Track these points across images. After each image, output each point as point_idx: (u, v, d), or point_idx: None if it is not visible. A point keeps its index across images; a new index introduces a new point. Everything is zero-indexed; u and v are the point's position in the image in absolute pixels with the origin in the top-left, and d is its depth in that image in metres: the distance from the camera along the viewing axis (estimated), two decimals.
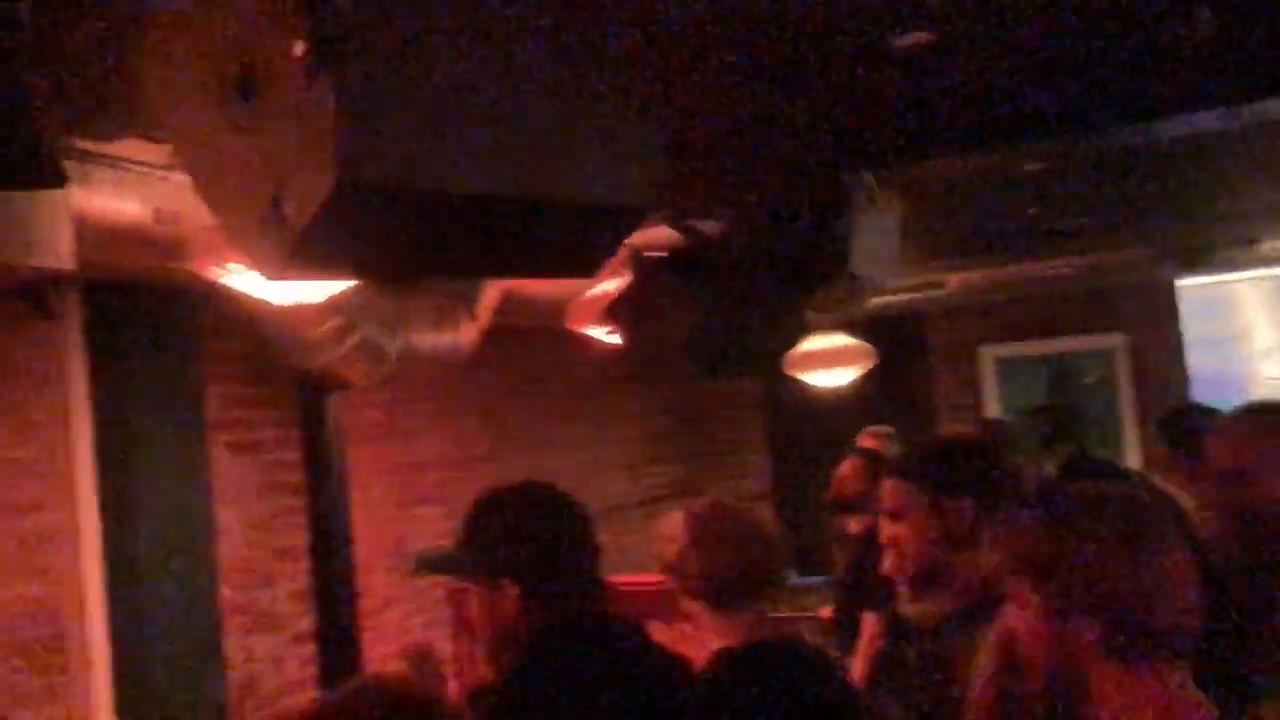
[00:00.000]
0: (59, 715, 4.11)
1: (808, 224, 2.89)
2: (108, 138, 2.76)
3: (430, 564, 2.25)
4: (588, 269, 1.94)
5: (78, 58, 2.01)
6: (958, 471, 1.96)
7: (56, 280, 4.11)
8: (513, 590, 1.89)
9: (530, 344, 6.69)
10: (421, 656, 5.87)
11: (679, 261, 3.84)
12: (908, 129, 3.24)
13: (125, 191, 3.48)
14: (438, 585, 6.02)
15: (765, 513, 2.98)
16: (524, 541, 1.92)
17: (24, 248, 3.18)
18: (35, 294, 4.16)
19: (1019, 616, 1.51)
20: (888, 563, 1.92)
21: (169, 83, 1.61)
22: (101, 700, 4.14)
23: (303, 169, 1.46)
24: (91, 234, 3.37)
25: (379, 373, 4.57)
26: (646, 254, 4.24)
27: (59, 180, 2.17)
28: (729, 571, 2.27)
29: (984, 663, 1.74)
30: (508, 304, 5.20)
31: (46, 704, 4.07)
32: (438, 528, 6.13)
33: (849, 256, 3.12)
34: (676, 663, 1.75)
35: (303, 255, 1.50)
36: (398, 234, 1.52)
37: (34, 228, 3.23)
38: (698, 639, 2.31)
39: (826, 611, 5.43)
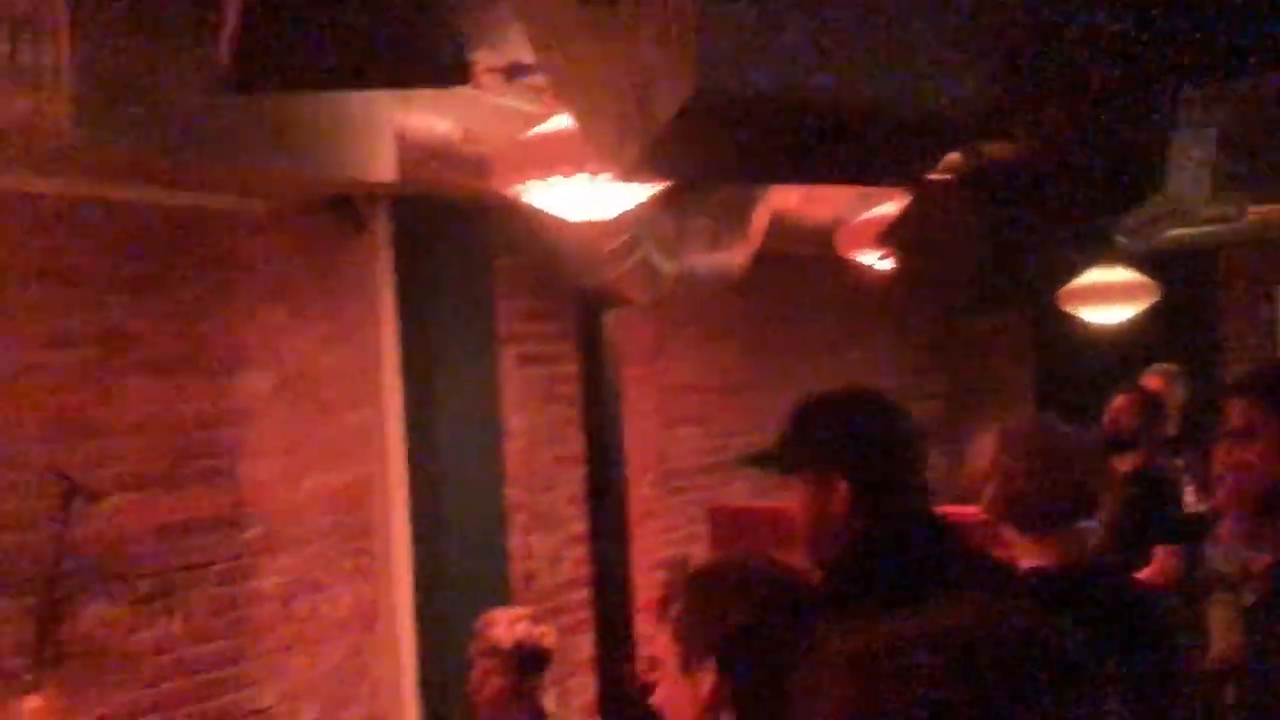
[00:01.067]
0: (365, 592, 4.54)
1: (1123, 142, 2.74)
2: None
3: (755, 460, 2.30)
4: (910, 178, 1.94)
5: None
6: None
7: (369, 195, 4.46)
8: (842, 486, 1.91)
9: (790, 274, 6.69)
10: (680, 568, 6.08)
11: (965, 185, 3.73)
12: (1231, 42, 3.00)
13: (440, 110, 3.72)
14: (695, 503, 6.22)
15: (1085, 432, 2.88)
16: (856, 439, 1.93)
17: (348, 163, 3.47)
18: (349, 208, 4.52)
19: None
20: (1223, 492, 1.83)
21: None
22: (401, 582, 4.54)
23: (662, 74, 1.53)
24: (407, 151, 3.63)
25: (656, 292, 4.70)
26: (930, 177, 4.14)
27: (465, 78, 2.33)
28: (1042, 493, 2.23)
29: None
30: (778, 227, 5.22)
31: (356, 582, 4.51)
32: (696, 447, 6.30)
33: (1164, 178, 2.95)
34: (1006, 569, 1.75)
35: (657, 158, 1.58)
36: (747, 138, 1.57)
37: (357, 144, 3.52)
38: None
39: None
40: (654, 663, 1.66)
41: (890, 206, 4.95)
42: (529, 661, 3.21)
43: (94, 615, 3.63)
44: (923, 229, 4.65)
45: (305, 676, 4.29)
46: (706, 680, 1.54)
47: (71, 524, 3.14)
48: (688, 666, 1.58)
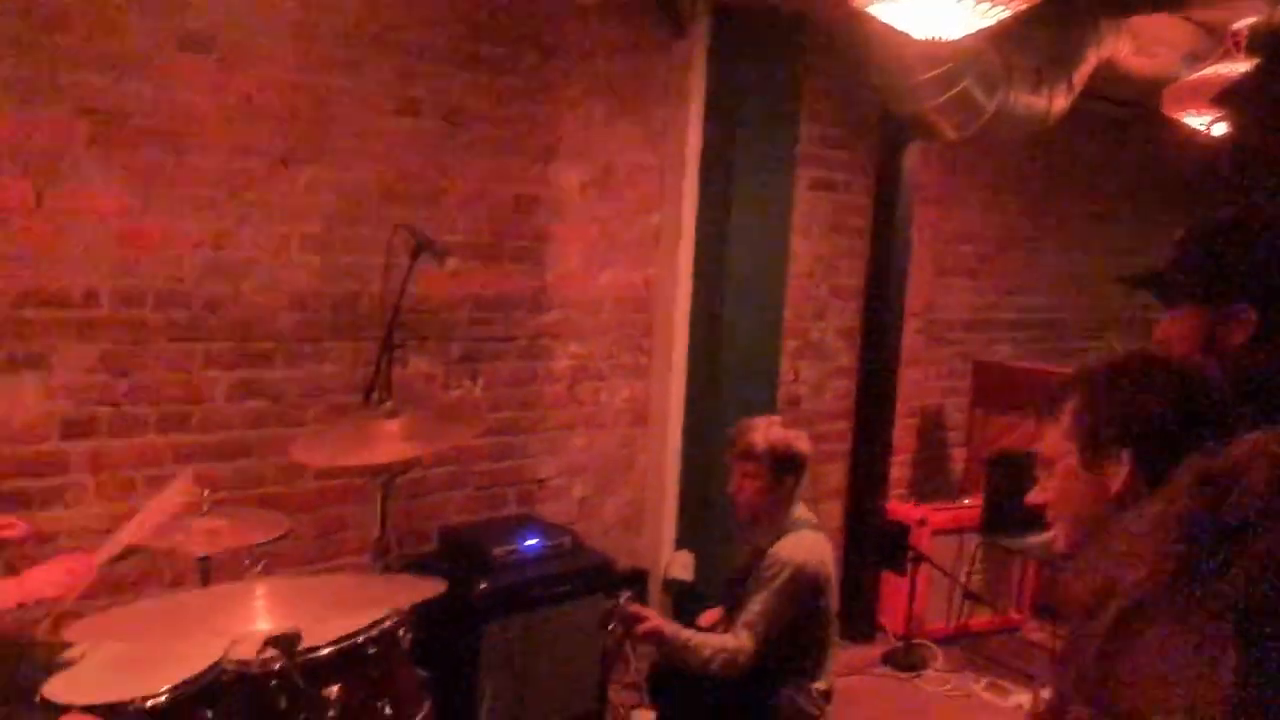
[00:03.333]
0: (640, 389, 4.74)
1: None
2: None
3: (1144, 281, 2.13)
4: None
5: None
6: None
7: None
8: (1249, 316, 1.79)
9: (1097, 133, 6.32)
10: (932, 420, 6.04)
11: None
12: None
13: None
14: (957, 356, 6.12)
15: None
16: (1270, 266, 1.79)
17: None
18: (673, 11, 4.53)
19: None
20: None
21: None
22: (675, 384, 4.71)
23: None
24: None
25: (967, 128, 4.54)
26: None
27: None
28: None
29: None
30: (1104, 75, 4.92)
31: (633, 377, 4.71)
32: (966, 300, 6.16)
33: None
34: None
35: None
36: None
37: None
38: None
39: None
40: (1041, 461, 1.64)
41: (1228, 66, 4.57)
42: (783, 464, 3.27)
43: (415, 369, 3.95)
44: (1269, 90, 4.28)
45: (581, 457, 4.56)
46: (1118, 473, 1.52)
47: (411, 280, 3.38)
48: (1092, 461, 1.56)
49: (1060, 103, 4.76)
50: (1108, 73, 5.00)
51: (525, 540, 3.74)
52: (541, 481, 4.45)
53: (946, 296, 6.04)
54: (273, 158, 3.55)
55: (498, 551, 3.64)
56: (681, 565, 4.64)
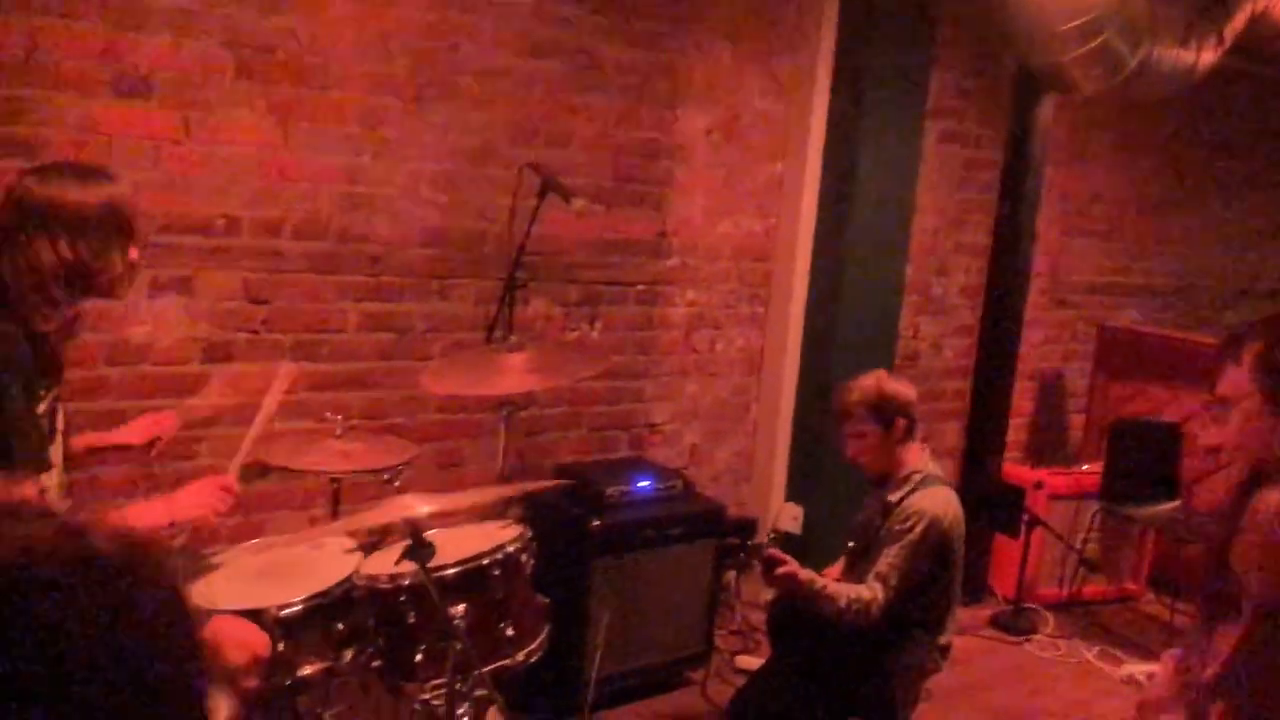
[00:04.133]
0: (755, 339, 4.73)
1: None
2: None
3: None
4: None
5: None
6: None
7: None
8: None
9: (1241, 94, 6.04)
10: (1052, 384, 5.90)
11: None
12: None
13: None
14: (1082, 320, 5.95)
15: None
16: None
17: None
18: None
19: None
20: None
21: None
22: (792, 335, 4.69)
23: None
24: None
25: (1108, 81, 4.37)
26: None
27: None
28: None
29: None
30: (1257, 31, 4.68)
31: (748, 327, 4.70)
32: (1093, 263, 5.98)
33: None
34: None
35: None
36: None
37: None
38: None
39: None
40: (1217, 403, 1.62)
41: None
42: (883, 410, 3.23)
43: (535, 310, 4.01)
44: None
45: (694, 404, 4.58)
46: None
47: (536, 220, 3.41)
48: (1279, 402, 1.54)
49: (1208, 58, 4.54)
50: (1261, 28, 4.75)
51: (638, 481, 3.79)
52: (654, 426, 4.49)
53: (1073, 258, 5.87)
54: (406, 96, 3.62)
55: (610, 491, 3.69)
56: (790, 518, 4.65)
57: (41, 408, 2.14)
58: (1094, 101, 5.10)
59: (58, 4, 3.01)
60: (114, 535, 0.52)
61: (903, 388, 3.26)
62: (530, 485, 2.62)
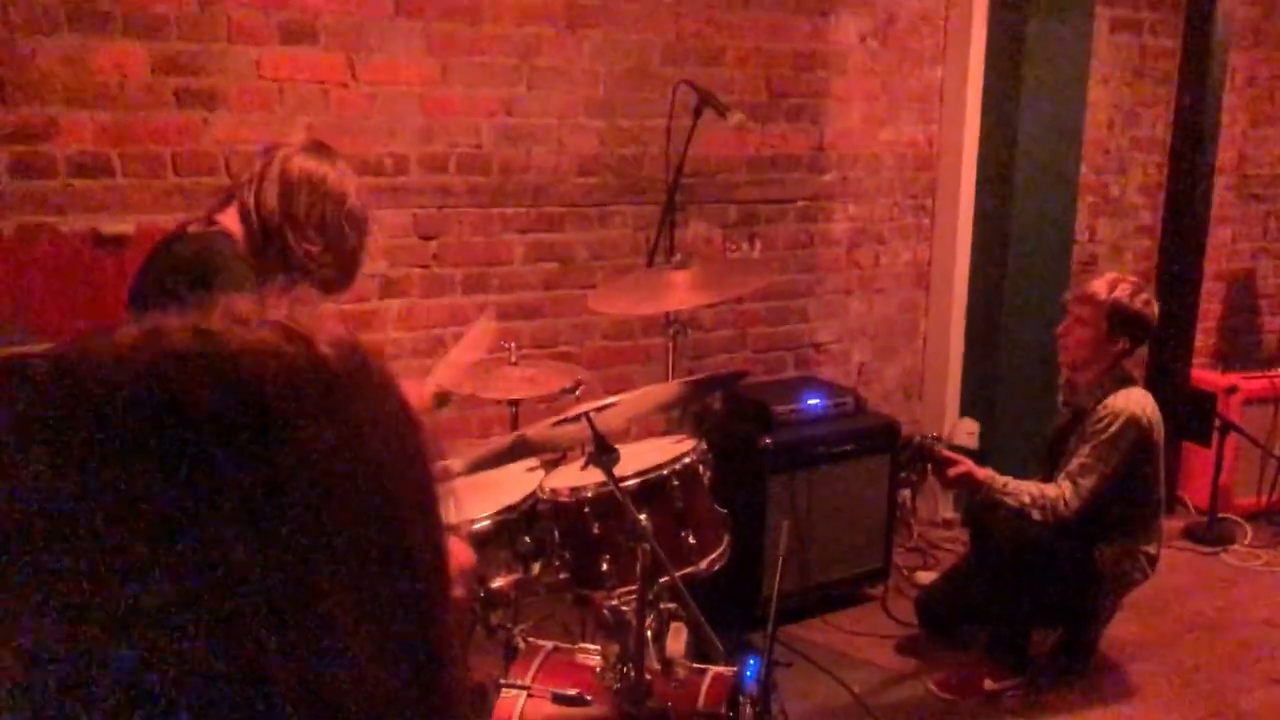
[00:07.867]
0: (922, 252, 4.60)
1: None
2: None
3: None
4: None
5: None
6: None
7: None
8: None
9: None
10: (1242, 284, 5.56)
11: None
12: None
13: None
14: (1273, 215, 5.57)
15: None
16: None
17: None
18: None
19: None
20: None
21: None
22: (961, 246, 4.53)
23: None
24: None
25: None
26: None
27: None
28: None
29: None
30: None
31: (914, 239, 4.57)
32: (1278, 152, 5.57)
33: None
34: None
35: None
36: None
37: None
38: None
39: None
40: None
41: None
42: (1122, 322, 3.11)
43: (694, 232, 4.00)
44: None
45: (860, 322, 4.50)
46: None
47: (692, 140, 3.38)
48: None
49: None
50: None
51: (807, 399, 3.76)
52: (819, 346, 4.43)
53: (1262, 149, 5.48)
54: (559, 23, 3.63)
55: (779, 409, 3.67)
56: (966, 433, 4.53)
57: None
58: None
59: None
60: (338, 341, 0.52)
61: (1151, 311, 3.16)
62: (703, 377, 2.64)
